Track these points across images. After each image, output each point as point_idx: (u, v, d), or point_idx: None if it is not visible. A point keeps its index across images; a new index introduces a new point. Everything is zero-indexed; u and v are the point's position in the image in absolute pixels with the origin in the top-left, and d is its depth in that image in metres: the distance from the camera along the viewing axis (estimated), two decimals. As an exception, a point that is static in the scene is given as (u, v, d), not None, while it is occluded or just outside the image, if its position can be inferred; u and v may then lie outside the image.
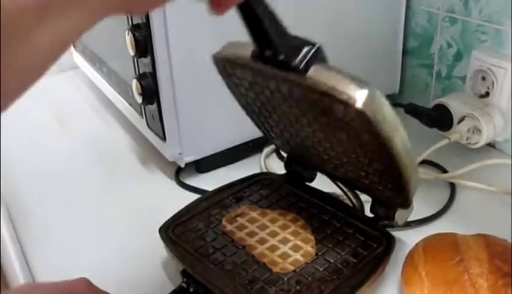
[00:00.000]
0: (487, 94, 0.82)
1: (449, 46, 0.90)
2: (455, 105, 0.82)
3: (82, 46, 1.09)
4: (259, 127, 0.70)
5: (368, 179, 0.61)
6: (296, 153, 0.70)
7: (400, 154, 0.52)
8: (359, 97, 0.48)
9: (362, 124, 0.50)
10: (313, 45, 0.50)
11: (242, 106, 0.67)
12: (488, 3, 0.82)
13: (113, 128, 0.98)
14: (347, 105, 0.49)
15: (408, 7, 0.94)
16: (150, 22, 0.71)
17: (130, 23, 0.76)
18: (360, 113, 0.49)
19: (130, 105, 0.87)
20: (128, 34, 0.74)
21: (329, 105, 0.51)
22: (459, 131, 0.80)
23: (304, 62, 0.50)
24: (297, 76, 0.51)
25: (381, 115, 0.49)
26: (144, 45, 0.73)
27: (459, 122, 0.81)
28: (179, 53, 0.73)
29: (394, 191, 0.59)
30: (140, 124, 0.85)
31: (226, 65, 0.60)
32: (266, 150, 0.86)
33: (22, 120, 0.96)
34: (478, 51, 0.83)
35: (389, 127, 0.50)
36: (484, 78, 0.82)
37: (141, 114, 0.83)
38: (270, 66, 0.53)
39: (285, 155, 0.74)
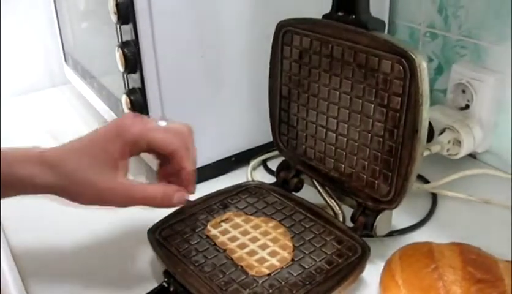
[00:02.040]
0: (467, 107, 0.85)
1: (431, 60, 0.92)
2: (436, 117, 0.85)
3: (74, 62, 1.11)
4: (276, 117, 0.76)
5: (368, 169, 0.65)
6: (300, 150, 0.74)
7: (421, 123, 0.59)
8: (413, 55, 0.58)
9: (403, 84, 0.59)
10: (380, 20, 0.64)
11: (274, 87, 0.75)
12: (467, 19, 0.85)
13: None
14: (401, 63, 0.59)
15: (390, 22, 0.96)
16: (139, 39, 0.73)
17: (120, 40, 0.78)
18: (410, 72, 0.58)
19: (121, 119, 0.89)
20: (118, 51, 0.76)
21: (378, 62, 0.61)
22: (439, 143, 0.82)
23: (372, 24, 0.62)
24: (364, 32, 0.62)
25: (422, 81, 0.58)
26: (133, 61, 0.76)
27: (440, 134, 0.83)
28: (167, 69, 0.75)
29: (390, 181, 0.63)
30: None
31: (290, 29, 0.70)
32: (253, 162, 0.88)
33: (14, 134, 0.98)
34: (458, 65, 0.86)
35: (424, 94, 0.58)
36: (464, 91, 0.85)
37: (131, 128, 0.85)
38: (341, 25, 0.64)
39: (272, 167, 0.76)
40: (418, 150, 0.60)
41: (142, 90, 0.77)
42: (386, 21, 0.95)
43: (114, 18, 0.74)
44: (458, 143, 0.83)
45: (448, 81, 0.87)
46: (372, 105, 0.63)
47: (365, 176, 0.66)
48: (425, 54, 0.93)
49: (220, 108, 0.82)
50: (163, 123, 0.62)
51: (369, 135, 0.64)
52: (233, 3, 0.78)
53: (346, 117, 0.66)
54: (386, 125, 0.62)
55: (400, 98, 0.60)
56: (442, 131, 0.83)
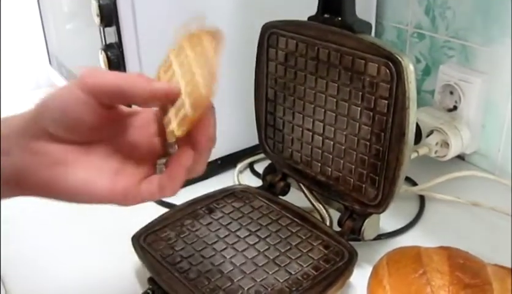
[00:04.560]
0: (454, 108, 0.85)
1: (418, 61, 0.92)
2: (424, 118, 0.84)
3: (59, 64, 1.10)
4: (262, 121, 0.75)
5: (355, 173, 0.65)
6: (287, 153, 0.73)
7: (408, 126, 0.58)
8: (400, 58, 0.57)
9: (390, 87, 0.58)
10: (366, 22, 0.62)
11: (260, 89, 0.73)
12: (454, 20, 0.84)
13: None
14: (387, 66, 0.58)
15: (378, 23, 0.96)
16: (123, 42, 0.72)
17: (104, 43, 0.77)
18: (396, 75, 0.57)
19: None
20: (101, 53, 0.75)
21: (364, 65, 0.60)
22: (427, 145, 0.82)
23: (359, 26, 0.61)
24: (350, 34, 0.61)
25: (409, 85, 0.57)
26: (117, 64, 0.74)
27: (428, 135, 0.83)
28: (151, 72, 0.74)
29: (377, 185, 0.63)
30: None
31: (275, 31, 0.69)
32: (240, 165, 0.87)
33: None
34: (446, 66, 0.85)
35: (411, 97, 0.57)
36: (451, 93, 0.84)
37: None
38: (326, 28, 0.63)
39: (259, 170, 0.76)
40: (405, 153, 0.59)
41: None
42: (373, 22, 0.95)
43: (97, 20, 0.73)
44: (446, 144, 0.82)
45: (436, 82, 0.87)
46: (359, 108, 0.62)
47: (352, 180, 0.65)
48: (412, 55, 0.92)
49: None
50: None
51: (356, 138, 0.64)
52: (218, 5, 0.77)
53: (332, 121, 0.66)
54: (373, 129, 0.61)
55: (387, 102, 0.59)
56: (430, 133, 0.83)
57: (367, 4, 0.92)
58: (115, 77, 0.45)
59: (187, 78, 0.47)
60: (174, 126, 0.45)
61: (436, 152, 0.83)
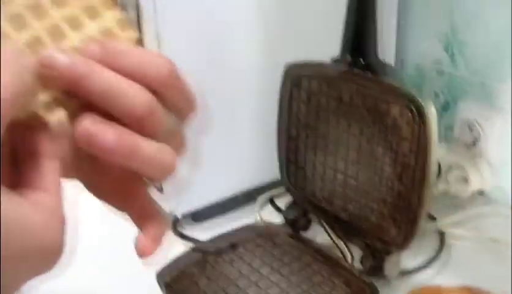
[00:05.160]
0: (474, 144, 0.85)
1: (437, 96, 0.93)
2: (443, 154, 0.85)
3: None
4: (284, 158, 0.76)
5: (377, 211, 0.66)
6: (309, 190, 0.74)
7: (429, 168, 0.59)
8: (423, 103, 0.59)
9: (412, 130, 0.59)
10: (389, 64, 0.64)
11: (282, 128, 0.75)
12: (473, 57, 0.85)
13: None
14: (410, 109, 0.59)
15: (397, 58, 0.97)
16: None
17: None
18: (418, 118, 0.59)
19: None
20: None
21: (387, 107, 0.61)
22: (447, 181, 0.83)
23: (381, 69, 0.64)
24: (373, 77, 0.63)
25: (431, 128, 0.58)
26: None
27: (447, 171, 0.84)
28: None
29: (399, 225, 0.64)
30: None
31: (299, 71, 0.71)
32: (261, 199, 0.88)
33: None
34: (465, 103, 0.87)
35: (432, 140, 0.59)
36: (470, 129, 0.85)
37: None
38: (349, 69, 0.65)
39: (279, 204, 0.77)
40: (427, 194, 0.60)
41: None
42: (393, 57, 0.96)
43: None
44: (465, 180, 0.83)
45: (455, 117, 0.88)
46: (381, 149, 0.63)
47: (373, 218, 0.66)
48: (431, 90, 0.93)
49: (227, 144, 0.83)
50: None
51: (378, 177, 0.65)
52: (243, 44, 0.79)
53: (355, 160, 0.67)
54: (395, 169, 0.62)
55: (409, 143, 0.60)
56: (449, 169, 0.84)
57: (387, 40, 0.93)
58: None
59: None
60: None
61: (455, 187, 0.83)
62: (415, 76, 0.96)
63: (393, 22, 0.93)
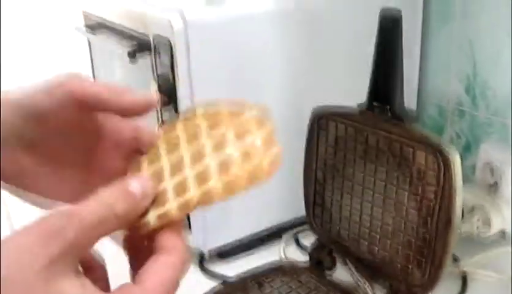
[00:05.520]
0: (495, 185, 0.87)
1: (459, 137, 0.95)
2: (465, 195, 0.86)
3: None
4: (310, 199, 0.78)
5: (402, 254, 0.67)
6: (334, 231, 0.76)
7: (454, 214, 0.61)
8: (448, 150, 0.61)
9: (437, 177, 0.61)
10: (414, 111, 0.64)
11: (309, 169, 0.77)
12: (494, 99, 0.87)
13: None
14: (435, 156, 0.61)
15: (419, 99, 0.99)
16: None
17: (160, 120, 0.82)
18: (444, 165, 0.61)
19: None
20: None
21: (413, 154, 0.63)
22: (469, 222, 0.84)
23: (407, 116, 0.65)
24: (399, 123, 0.65)
25: (456, 175, 0.61)
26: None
27: (469, 212, 0.85)
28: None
29: (423, 268, 0.65)
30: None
31: (326, 115, 0.73)
32: (286, 237, 0.90)
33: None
34: (486, 144, 0.88)
35: (457, 186, 0.61)
36: (492, 170, 0.87)
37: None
38: (376, 115, 0.67)
39: (304, 242, 0.78)
40: (451, 239, 0.62)
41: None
42: (415, 98, 0.98)
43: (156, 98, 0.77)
44: (488, 221, 0.84)
45: (476, 158, 0.89)
46: (406, 193, 0.65)
47: (398, 261, 0.68)
48: (453, 131, 0.95)
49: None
50: None
51: (403, 221, 0.66)
52: (271, 87, 0.81)
53: (380, 203, 0.68)
54: (420, 214, 0.64)
55: (434, 189, 0.62)
56: (471, 210, 0.85)
57: (409, 81, 0.96)
58: (97, 85, 0.43)
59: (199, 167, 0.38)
60: (174, 206, 0.37)
61: (477, 228, 0.84)
62: (437, 117, 0.98)
63: (416, 65, 0.96)
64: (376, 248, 0.70)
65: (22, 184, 0.44)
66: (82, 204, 0.35)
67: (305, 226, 0.90)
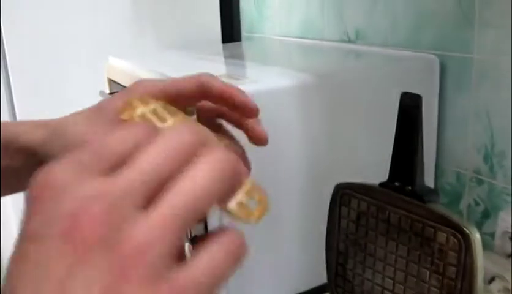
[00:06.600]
0: (515, 254, 0.88)
1: (477, 204, 0.96)
2: (485, 264, 0.87)
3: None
4: (333, 273, 0.79)
5: None
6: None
7: (475, 291, 0.63)
8: (469, 230, 0.63)
9: (458, 257, 0.63)
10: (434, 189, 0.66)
11: (332, 242, 0.78)
12: (512, 169, 0.89)
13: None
14: (456, 236, 0.63)
15: (437, 166, 1.01)
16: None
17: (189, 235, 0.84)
18: (465, 245, 0.62)
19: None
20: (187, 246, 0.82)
21: (434, 233, 0.65)
22: (489, 292, 0.85)
23: (428, 196, 0.67)
24: (420, 203, 0.67)
25: (477, 255, 0.63)
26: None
27: (489, 281, 0.86)
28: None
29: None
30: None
31: (348, 192, 0.75)
32: (308, 304, 0.91)
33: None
34: (504, 213, 0.89)
35: (478, 266, 0.63)
36: (511, 239, 0.88)
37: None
38: (397, 194, 0.69)
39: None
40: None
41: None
42: (433, 165, 1.00)
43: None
44: (507, 291, 0.85)
45: (495, 226, 0.91)
46: (428, 271, 0.67)
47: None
48: (471, 199, 0.97)
49: (274, 250, 0.87)
50: None
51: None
52: (292, 163, 0.84)
53: (402, 279, 0.70)
54: (442, 292, 0.65)
55: (455, 268, 0.64)
56: (491, 279, 0.86)
57: (428, 148, 0.98)
58: (161, 82, 0.48)
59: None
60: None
61: (498, 298, 0.85)
62: (455, 184, 1.00)
63: (433, 133, 0.98)
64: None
65: None
66: None
67: (327, 294, 0.91)
